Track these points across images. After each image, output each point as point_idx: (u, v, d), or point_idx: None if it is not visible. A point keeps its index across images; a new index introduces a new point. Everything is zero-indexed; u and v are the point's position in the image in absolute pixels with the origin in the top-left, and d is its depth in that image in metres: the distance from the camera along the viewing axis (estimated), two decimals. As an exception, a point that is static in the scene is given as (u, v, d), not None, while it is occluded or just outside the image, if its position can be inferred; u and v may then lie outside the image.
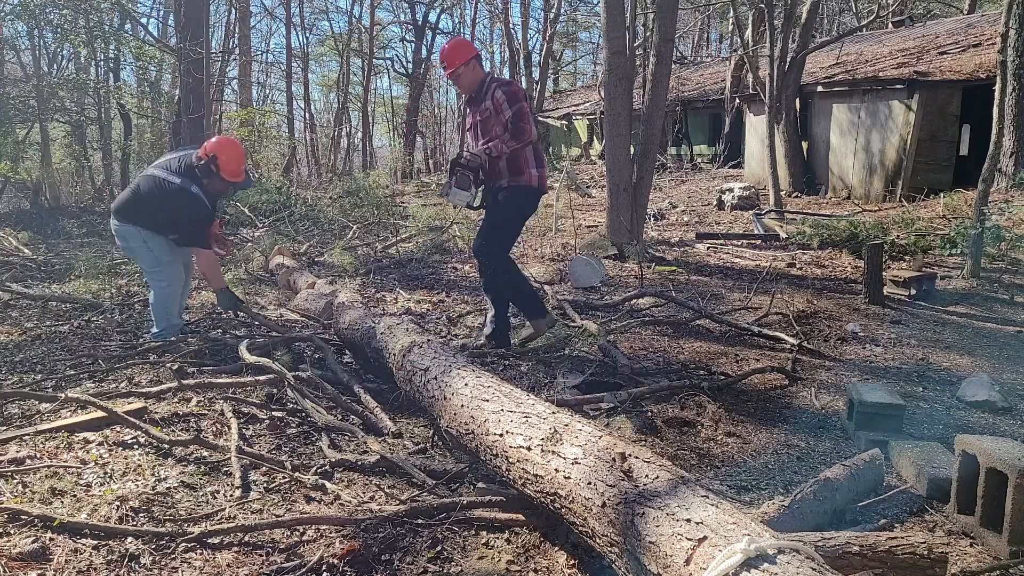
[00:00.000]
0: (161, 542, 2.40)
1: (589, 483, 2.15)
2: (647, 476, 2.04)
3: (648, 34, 11.89)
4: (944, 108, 11.35)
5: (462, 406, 2.87)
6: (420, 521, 2.62)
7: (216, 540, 2.45)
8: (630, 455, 2.15)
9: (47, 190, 13.65)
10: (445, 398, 3.01)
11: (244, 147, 4.57)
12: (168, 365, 4.12)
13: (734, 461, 3.27)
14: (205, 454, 3.07)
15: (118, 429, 3.21)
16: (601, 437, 2.31)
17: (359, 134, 27.98)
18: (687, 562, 1.72)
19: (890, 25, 19.18)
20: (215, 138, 4.49)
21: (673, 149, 19.25)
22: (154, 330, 4.55)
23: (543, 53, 25.31)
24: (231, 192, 4.60)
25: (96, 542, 2.38)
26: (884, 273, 6.21)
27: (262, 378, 3.81)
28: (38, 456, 2.96)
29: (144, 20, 18.72)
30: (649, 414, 3.70)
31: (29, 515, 2.44)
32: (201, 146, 4.42)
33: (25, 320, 5.31)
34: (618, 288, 6.66)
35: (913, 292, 6.18)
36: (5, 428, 3.23)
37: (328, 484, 2.90)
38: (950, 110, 11.40)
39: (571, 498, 2.19)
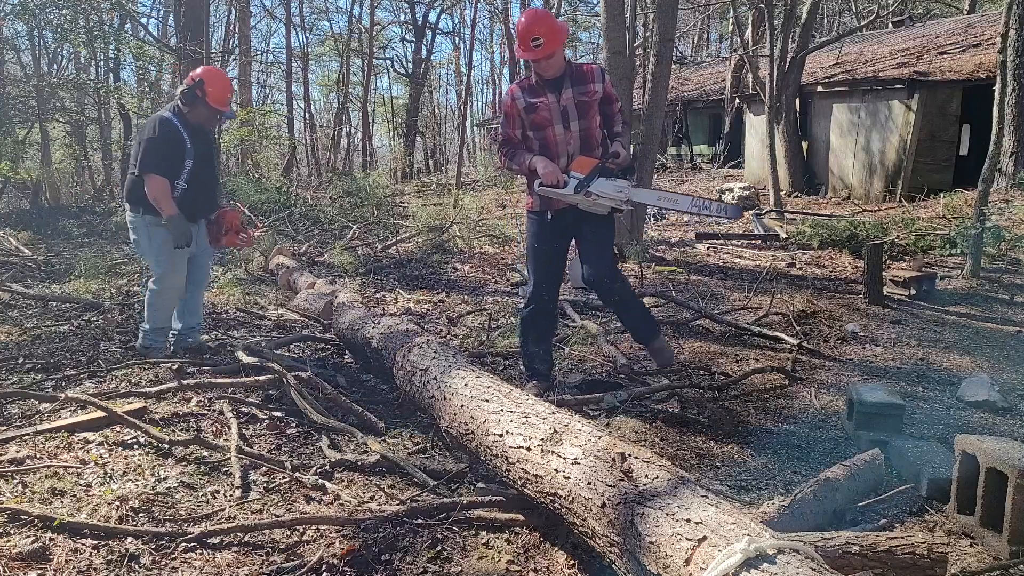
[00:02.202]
0: (161, 542, 2.40)
1: (589, 483, 2.15)
2: (647, 476, 2.05)
3: (648, 34, 11.90)
4: (944, 108, 11.35)
5: (462, 406, 2.87)
6: (420, 521, 2.62)
7: (216, 540, 2.45)
8: (630, 455, 2.15)
9: (47, 190, 13.67)
10: (445, 398, 3.01)
11: (231, 79, 4.43)
12: (168, 365, 4.13)
13: (734, 461, 3.26)
14: (205, 454, 3.07)
15: (118, 429, 3.21)
16: (601, 437, 2.31)
17: (359, 134, 28.01)
18: (687, 562, 1.72)
19: (890, 25, 19.18)
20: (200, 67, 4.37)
21: (673, 149, 19.26)
22: (145, 326, 4.39)
23: (543, 53, 25.24)
24: (216, 123, 4.39)
25: (96, 542, 2.38)
26: (884, 273, 6.21)
27: (262, 378, 3.81)
28: (38, 456, 2.96)
29: (144, 20, 18.73)
30: (649, 414, 3.70)
31: (29, 515, 2.44)
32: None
33: (25, 320, 5.31)
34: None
35: (913, 292, 6.18)
36: (5, 428, 3.23)
37: (328, 484, 2.90)
38: (950, 110, 11.40)
39: (571, 498, 2.20)
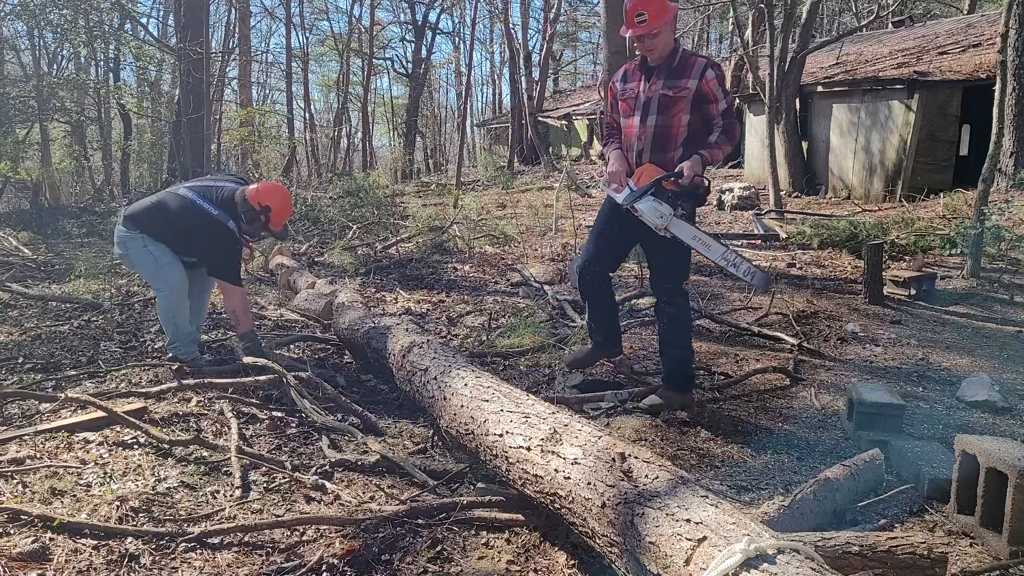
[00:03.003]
0: (161, 542, 2.40)
1: (589, 483, 2.15)
2: (647, 476, 2.05)
3: (648, 34, 11.96)
4: (944, 108, 11.35)
5: (462, 406, 2.87)
6: (420, 521, 2.62)
7: (216, 540, 2.45)
8: (630, 455, 2.15)
9: (47, 190, 13.66)
10: (445, 398, 3.01)
11: (292, 196, 4.28)
12: (168, 365, 4.13)
13: (734, 461, 3.26)
14: (205, 454, 3.08)
15: (118, 429, 3.21)
16: (601, 437, 2.31)
17: (359, 134, 28.00)
18: (687, 562, 1.72)
19: (890, 25, 19.18)
20: (266, 185, 4.22)
21: (673, 149, 19.23)
22: (169, 343, 4.23)
23: (543, 53, 25.32)
24: (263, 238, 4.43)
25: (96, 542, 2.39)
26: (884, 273, 6.21)
27: (262, 378, 3.81)
28: (38, 456, 2.96)
29: (144, 20, 18.74)
30: (649, 415, 3.70)
31: (29, 515, 2.45)
32: (242, 186, 4.17)
33: (25, 320, 5.31)
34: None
35: (913, 292, 6.18)
36: (5, 428, 3.23)
37: (328, 484, 2.90)
38: (950, 110, 11.39)
39: (571, 498, 2.20)
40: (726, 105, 3.46)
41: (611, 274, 4.03)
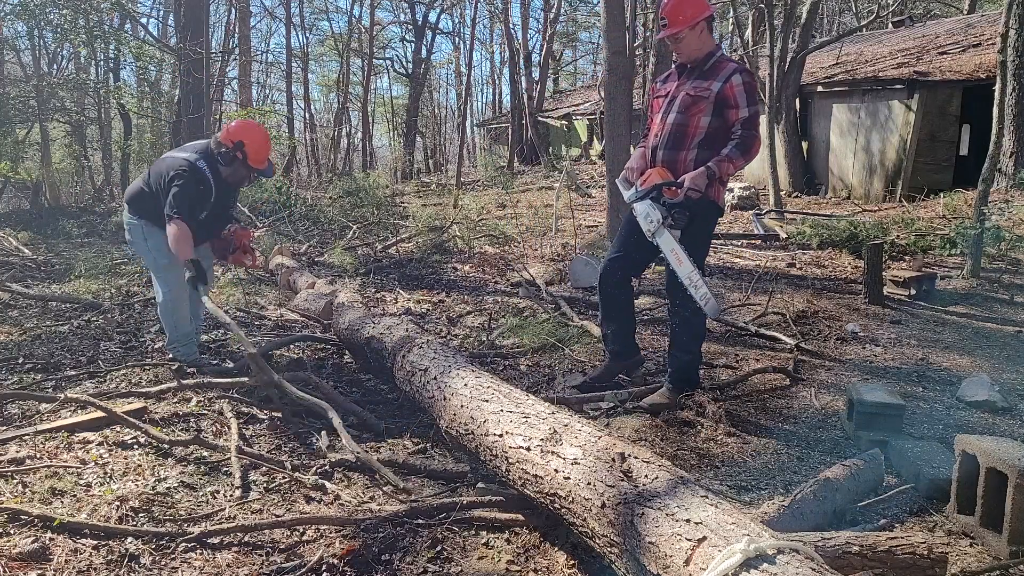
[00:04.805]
0: (161, 542, 2.40)
1: (588, 483, 2.15)
2: (646, 476, 2.05)
3: (648, 34, 11.88)
4: (944, 108, 11.35)
5: (462, 407, 2.87)
6: (420, 521, 2.62)
7: (216, 540, 2.46)
8: (629, 455, 2.15)
9: (47, 190, 13.64)
10: (445, 399, 3.01)
11: (266, 130, 4.15)
12: (168, 365, 4.13)
13: (734, 461, 3.26)
14: (205, 454, 3.08)
15: (118, 429, 3.21)
16: (600, 437, 2.31)
17: (359, 134, 27.98)
18: (686, 562, 1.72)
19: (890, 25, 19.18)
20: (235, 123, 4.11)
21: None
22: (169, 344, 4.23)
23: (543, 53, 25.31)
24: (252, 180, 4.27)
25: (96, 542, 2.39)
26: (884, 273, 6.20)
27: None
28: (38, 456, 2.96)
29: (144, 20, 18.73)
30: (649, 414, 3.70)
31: (29, 515, 2.45)
32: (217, 134, 4.08)
33: (25, 320, 5.31)
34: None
35: (913, 292, 6.18)
36: (5, 428, 3.23)
37: (328, 484, 2.90)
38: (950, 110, 11.39)
39: (571, 498, 2.20)
40: (747, 115, 3.43)
41: (634, 279, 4.00)
